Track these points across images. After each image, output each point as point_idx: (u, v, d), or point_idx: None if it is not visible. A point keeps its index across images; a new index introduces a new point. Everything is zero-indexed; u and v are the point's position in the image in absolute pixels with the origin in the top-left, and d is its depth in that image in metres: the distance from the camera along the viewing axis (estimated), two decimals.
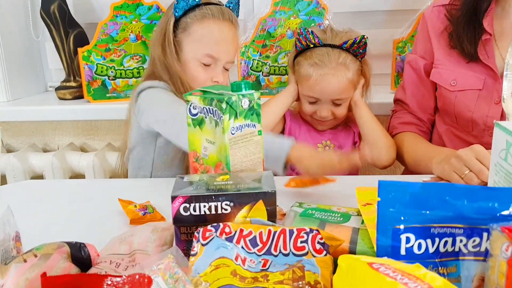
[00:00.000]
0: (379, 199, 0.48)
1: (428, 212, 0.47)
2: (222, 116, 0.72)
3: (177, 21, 1.14)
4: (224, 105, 0.72)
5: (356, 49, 1.16)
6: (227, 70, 1.20)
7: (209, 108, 0.75)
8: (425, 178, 0.97)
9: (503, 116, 1.07)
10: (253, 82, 1.56)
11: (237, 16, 1.20)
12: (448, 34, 1.15)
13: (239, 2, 1.20)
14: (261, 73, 1.56)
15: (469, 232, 0.46)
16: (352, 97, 1.20)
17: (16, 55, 1.64)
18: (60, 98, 1.62)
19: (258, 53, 1.54)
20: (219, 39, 1.13)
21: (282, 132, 1.27)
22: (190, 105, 0.78)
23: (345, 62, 1.15)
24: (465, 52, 1.12)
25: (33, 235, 0.67)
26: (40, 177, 1.63)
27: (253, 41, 1.53)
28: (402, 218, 0.47)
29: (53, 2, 1.54)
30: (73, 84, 1.63)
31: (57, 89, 1.64)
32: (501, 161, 0.53)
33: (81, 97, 1.60)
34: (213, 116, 0.74)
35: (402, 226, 0.47)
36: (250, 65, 1.55)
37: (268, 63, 1.55)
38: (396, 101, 1.32)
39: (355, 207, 0.69)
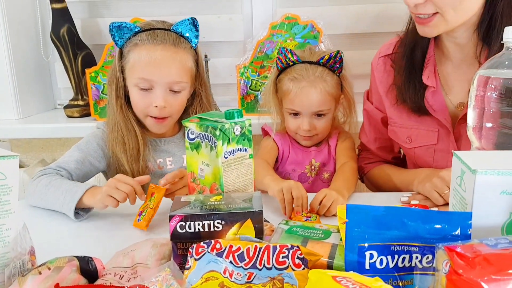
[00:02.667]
0: (347, 220, 0.55)
1: (388, 232, 0.54)
2: (216, 142, 0.80)
3: (121, 50, 1.18)
4: (218, 132, 0.80)
5: (333, 64, 1.22)
6: (177, 92, 1.17)
7: (204, 134, 0.83)
8: (404, 195, 1.04)
9: None
10: (251, 100, 1.64)
11: (193, 35, 1.19)
12: (395, 90, 1.15)
13: (193, 22, 1.18)
14: (259, 92, 1.64)
15: (423, 250, 0.54)
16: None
17: (27, 74, 1.72)
18: (68, 116, 1.71)
19: (257, 74, 1.62)
20: (149, 62, 1.13)
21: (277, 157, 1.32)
22: (188, 131, 0.86)
23: (322, 75, 1.21)
24: (413, 108, 1.12)
25: (44, 248, 0.75)
26: None
27: (252, 62, 1.61)
28: (366, 237, 0.54)
29: (63, 25, 1.63)
30: (80, 102, 1.71)
31: (66, 107, 1.72)
32: (457, 186, 0.60)
33: (88, 115, 1.69)
34: (208, 142, 0.82)
35: (366, 244, 0.54)
36: (249, 85, 1.63)
37: (265, 83, 1.63)
38: (361, 142, 1.34)
39: (336, 224, 0.76)
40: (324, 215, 0.98)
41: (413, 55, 1.12)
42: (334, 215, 0.96)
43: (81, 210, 1.01)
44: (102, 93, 1.63)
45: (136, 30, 1.15)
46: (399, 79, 1.14)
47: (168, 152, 1.24)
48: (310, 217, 0.97)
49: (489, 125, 0.70)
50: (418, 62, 1.11)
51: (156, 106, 1.15)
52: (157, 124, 1.19)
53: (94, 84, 1.62)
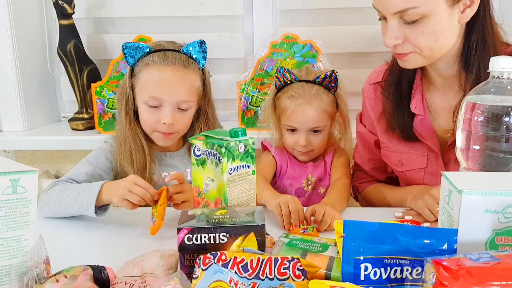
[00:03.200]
0: (344, 235, 0.61)
1: (382, 246, 0.59)
2: (221, 159, 0.85)
3: (132, 68, 1.24)
4: (223, 150, 0.85)
5: (328, 83, 1.28)
6: (184, 109, 1.23)
7: (210, 151, 0.88)
8: (398, 210, 1.09)
9: None
10: (251, 116, 1.70)
11: (201, 56, 1.24)
12: (385, 116, 1.20)
13: (201, 44, 1.23)
14: (259, 108, 1.69)
15: (413, 263, 0.59)
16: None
17: (33, 88, 1.77)
18: (73, 129, 1.76)
19: (257, 90, 1.68)
20: (160, 82, 1.18)
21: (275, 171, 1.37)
22: (194, 148, 0.91)
23: (318, 93, 1.27)
24: (403, 136, 1.17)
25: (55, 258, 0.79)
26: None
27: (253, 79, 1.67)
28: (362, 250, 0.59)
29: (70, 41, 1.68)
30: (85, 115, 1.76)
31: (70, 120, 1.77)
32: (445, 205, 0.66)
33: (92, 128, 1.74)
34: (214, 158, 0.87)
35: (361, 257, 0.59)
36: (249, 101, 1.69)
37: (265, 99, 1.68)
38: (355, 162, 1.39)
39: (333, 238, 0.81)
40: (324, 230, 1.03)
41: (399, 84, 1.17)
42: (331, 229, 1.01)
43: (98, 209, 1.06)
44: (107, 107, 1.68)
45: (148, 50, 1.21)
46: (388, 106, 1.19)
47: (172, 166, 1.29)
48: (307, 229, 1.02)
49: (476, 147, 0.76)
50: (405, 91, 1.16)
51: (164, 123, 1.20)
52: (164, 138, 1.24)
53: (99, 98, 1.67)
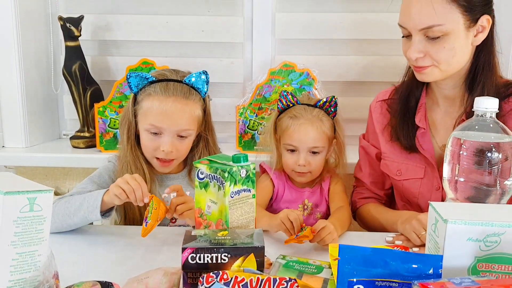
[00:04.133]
0: (339, 258, 0.66)
1: (374, 269, 0.65)
2: (224, 183, 0.91)
3: (135, 96, 1.30)
4: (226, 174, 0.91)
5: (328, 107, 1.36)
6: (184, 137, 1.28)
7: (214, 175, 0.93)
8: (389, 235, 1.15)
9: (443, 200, 1.21)
10: (249, 139, 1.76)
11: (203, 86, 1.29)
12: (390, 129, 1.33)
13: (204, 74, 1.29)
14: (256, 131, 1.75)
15: (402, 286, 0.64)
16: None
17: (36, 105, 1.81)
18: (74, 147, 1.80)
19: (255, 114, 1.74)
20: (161, 112, 1.23)
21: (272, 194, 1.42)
22: (198, 171, 0.97)
23: (319, 115, 1.34)
24: (405, 146, 1.29)
25: (62, 273, 0.83)
26: None
27: (251, 103, 1.73)
28: (355, 273, 0.65)
29: (75, 62, 1.74)
30: (86, 134, 1.81)
31: (72, 138, 1.82)
32: (432, 232, 0.71)
33: (93, 146, 1.78)
34: (217, 182, 0.93)
35: (355, 279, 0.64)
36: (247, 124, 1.75)
37: (263, 123, 1.74)
38: (356, 177, 1.48)
39: (327, 261, 0.87)
40: (317, 242, 1.08)
41: (407, 101, 1.30)
42: (323, 243, 1.07)
43: (102, 215, 1.12)
44: (109, 127, 1.73)
45: (151, 80, 1.26)
46: (394, 120, 1.32)
47: None
48: (301, 230, 1.08)
49: (461, 179, 0.82)
50: (411, 107, 1.29)
51: (163, 150, 1.25)
52: (162, 167, 1.30)
53: (101, 118, 1.72)
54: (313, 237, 1.07)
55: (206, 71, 1.29)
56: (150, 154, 1.29)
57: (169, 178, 1.35)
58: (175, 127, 1.25)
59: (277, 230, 1.13)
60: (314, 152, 1.34)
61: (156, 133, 1.26)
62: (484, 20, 1.14)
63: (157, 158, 1.28)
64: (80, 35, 1.71)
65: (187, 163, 1.38)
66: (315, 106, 1.35)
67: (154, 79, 1.27)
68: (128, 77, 1.26)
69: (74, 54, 1.74)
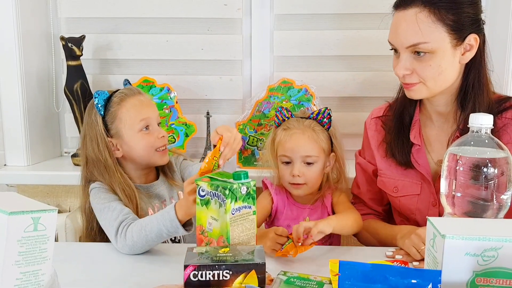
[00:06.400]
0: (339, 274, 0.67)
1: (373, 285, 0.66)
2: (225, 200, 0.92)
3: (104, 119, 1.32)
4: (227, 192, 0.92)
5: (322, 118, 1.36)
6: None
7: (215, 192, 0.95)
8: (389, 250, 1.16)
9: (440, 215, 1.18)
10: (248, 155, 1.77)
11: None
12: (385, 145, 1.33)
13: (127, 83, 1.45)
14: (256, 147, 1.77)
15: None
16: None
17: (37, 124, 1.83)
18: (75, 164, 1.81)
19: (254, 130, 1.76)
20: (140, 105, 1.33)
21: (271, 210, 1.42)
22: (199, 188, 0.98)
23: (311, 125, 1.35)
24: (400, 162, 1.29)
25: None
26: None
27: (250, 120, 1.75)
28: None
29: (77, 81, 1.76)
30: None
31: (73, 155, 1.83)
32: (430, 247, 0.72)
33: None
34: (218, 199, 0.94)
35: None
36: (247, 140, 1.76)
37: (262, 139, 1.76)
38: (353, 194, 1.47)
39: (328, 276, 0.87)
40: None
41: (402, 118, 1.31)
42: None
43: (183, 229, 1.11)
44: None
45: (106, 97, 1.33)
46: (388, 137, 1.32)
47: (160, 196, 1.38)
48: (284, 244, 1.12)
49: (459, 194, 0.84)
50: (406, 124, 1.30)
51: (163, 136, 1.34)
52: (163, 156, 1.36)
53: None
54: (296, 247, 1.10)
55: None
56: (151, 150, 1.33)
57: (152, 186, 1.39)
58: (155, 115, 1.37)
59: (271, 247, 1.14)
60: (308, 163, 1.34)
61: (147, 127, 1.33)
62: (472, 39, 1.15)
63: (157, 150, 1.34)
64: (82, 55, 1.74)
65: (159, 169, 1.43)
66: (308, 118, 1.37)
67: (108, 95, 1.34)
68: (96, 103, 1.32)
69: (76, 73, 1.76)
